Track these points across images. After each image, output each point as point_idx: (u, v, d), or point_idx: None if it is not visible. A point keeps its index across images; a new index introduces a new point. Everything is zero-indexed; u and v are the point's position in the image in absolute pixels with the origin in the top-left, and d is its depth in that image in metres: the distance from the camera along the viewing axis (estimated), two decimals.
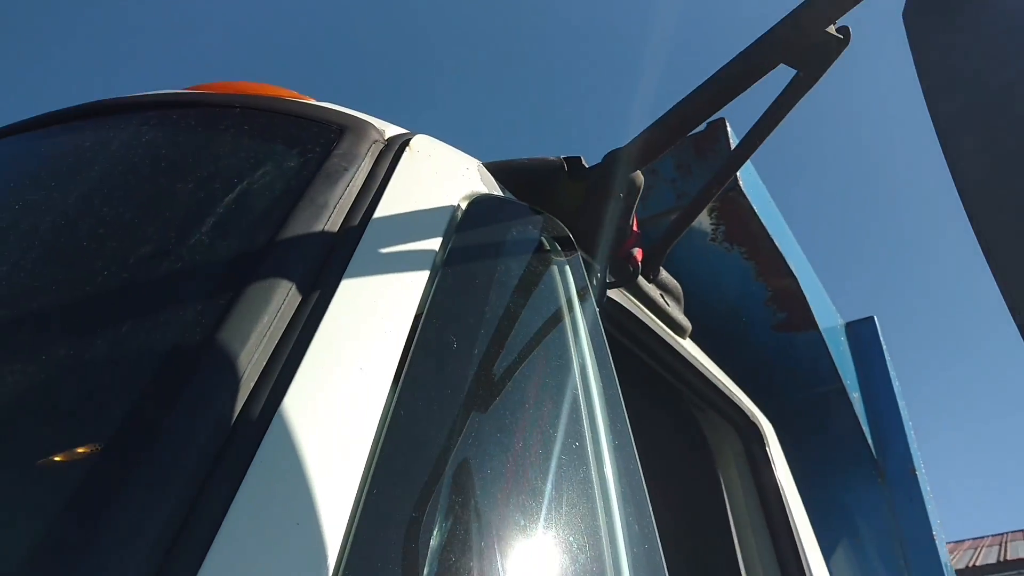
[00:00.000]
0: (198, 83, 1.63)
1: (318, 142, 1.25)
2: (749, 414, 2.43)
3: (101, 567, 0.64)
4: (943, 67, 1.10)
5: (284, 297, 0.92)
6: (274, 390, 0.81)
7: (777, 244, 2.66)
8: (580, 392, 1.23)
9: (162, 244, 1.07)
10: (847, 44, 1.55)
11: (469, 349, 1.05)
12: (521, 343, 1.18)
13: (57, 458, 0.72)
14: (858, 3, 1.46)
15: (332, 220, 1.07)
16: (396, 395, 0.91)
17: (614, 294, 1.89)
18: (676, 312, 2.23)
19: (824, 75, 1.63)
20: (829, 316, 3.28)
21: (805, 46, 1.55)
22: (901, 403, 3.46)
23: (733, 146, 2.51)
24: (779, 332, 2.99)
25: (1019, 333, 0.85)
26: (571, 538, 1.00)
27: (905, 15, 1.15)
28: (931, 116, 1.05)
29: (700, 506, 2.43)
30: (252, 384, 0.82)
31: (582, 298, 1.41)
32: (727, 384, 2.40)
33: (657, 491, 1.22)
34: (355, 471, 0.80)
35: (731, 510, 2.37)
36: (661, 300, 2.16)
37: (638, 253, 1.98)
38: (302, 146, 1.25)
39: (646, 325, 2.01)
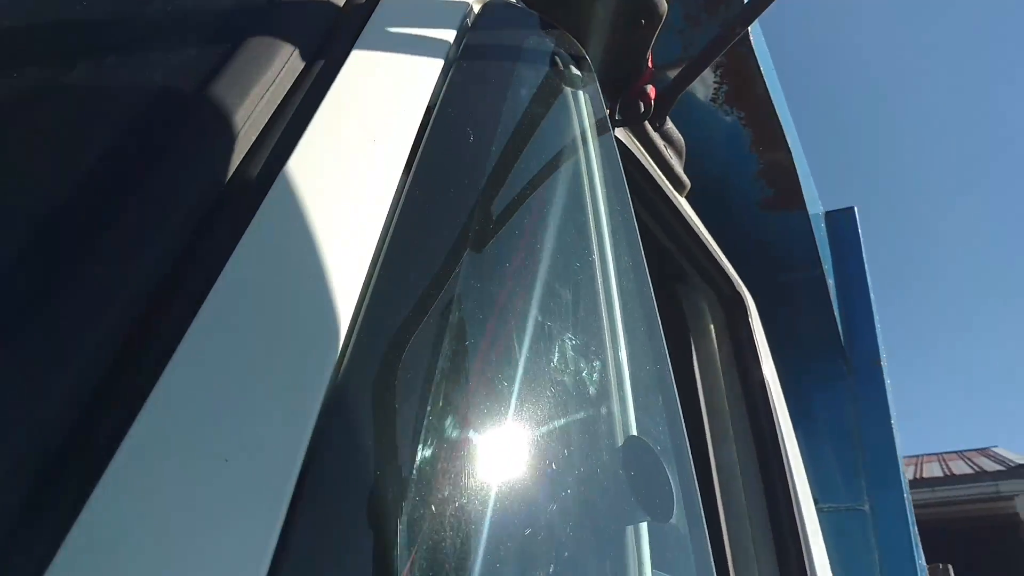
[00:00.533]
0: None
1: None
2: (736, 283, 2.34)
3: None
4: None
5: (290, 53, 0.83)
6: (276, 148, 0.74)
7: (778, 113, 2.54)
8: (594, 231, 1.16)
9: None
10: None
11: (483, 147, 0.97)
12: (534, 162, 1.09)
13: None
14: None
15: None
16: (410, 175, 0.82)
17: (620, 136, 1.76)
18: (677, 166, 2.11)
19: None
20: (812, 202, 3.20)
21: None
22: (872, 297, 3.44)
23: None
24: (765, 209, 2.89)
25: None
26: (584, 392, 0.95)
27: None
28: None
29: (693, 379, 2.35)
30: (251, 140, 0.73)
31: (600, 128, 1.32)
32: (717, 251, 2.29)
33: None
34: (366, 250, 0.71)
35: (702, 389, 2.28)
36: (665, 151, 2.03)
37: (651, 91, 1.84)
38: None
39: (648, 173, 1.88)
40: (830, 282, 3.18)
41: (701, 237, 2.17)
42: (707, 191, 2.76)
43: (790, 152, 2.66)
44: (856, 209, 3.55)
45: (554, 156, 1.18)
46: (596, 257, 1.13)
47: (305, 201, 0.70)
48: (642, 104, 1.81)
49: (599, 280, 1.11)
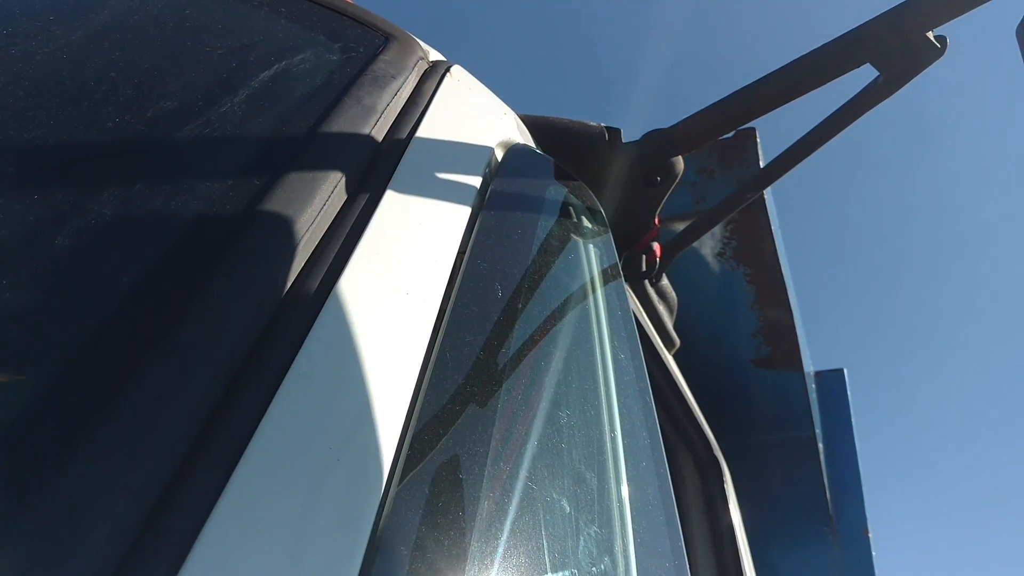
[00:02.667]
0: None
1: (363, 44, 1.16)
2: (714, 448, 2.29)
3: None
4: None
5: (328, 195, 0.81)
6: (312, 300, 0.70)
7: (784, 273, 2.51)
8: (602, 379, 1.12)
9: (184, 118, 0.93)
10: (941, 55, 1.43)
11: (511, 298, 0.96)
12: (551, 316, 1.07)
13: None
14: (971, 9, 1.33)
15: (378, 127, 0.98)
16: (443, 326, 0.81)
17: None
18: (669, 323, 2.08)
19: (907, 84, 1.49)
20: (805, 361, 3.16)
21: (898, 48, 1.40)
22: (859, 462, 3.36)
23: (761, 158, 2.36)
24: (759, 366, 2.83)
25: None
26: (586, 528, 0.89)
27: (1021, 31, 1.05)
28: None
29: None
30: (284, 290, 0.70)
31: (613, 281, 1.30)
32: (697, 413, 2.24)
33: None
34: (401, 402, 0.70)
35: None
36: (659, 307, 1.99)
37: (658, 249, 1.81)
38: (345, 43, 1.16)
39: (643, 328, 1.83)
40: (820, 446, 3.10)
41: (685, 397, 2.13)
42: (702, 342, 2.71)
43: (791, 313, 2.62)
44: (846, 371, 3.51)
45: (569, 308, 1.16)
46: (607, 419, 1.07)
47: (338, 361, 0.67)
48: (646, 261, 1.78)
49: (613, 435, 1.06)
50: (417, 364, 0.74)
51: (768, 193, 2.34)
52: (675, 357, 2.37)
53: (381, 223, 0.83)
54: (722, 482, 2.24)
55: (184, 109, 0.94)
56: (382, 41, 1.18)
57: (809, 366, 3.33)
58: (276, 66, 1.04)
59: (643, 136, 1.62)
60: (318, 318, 0.68)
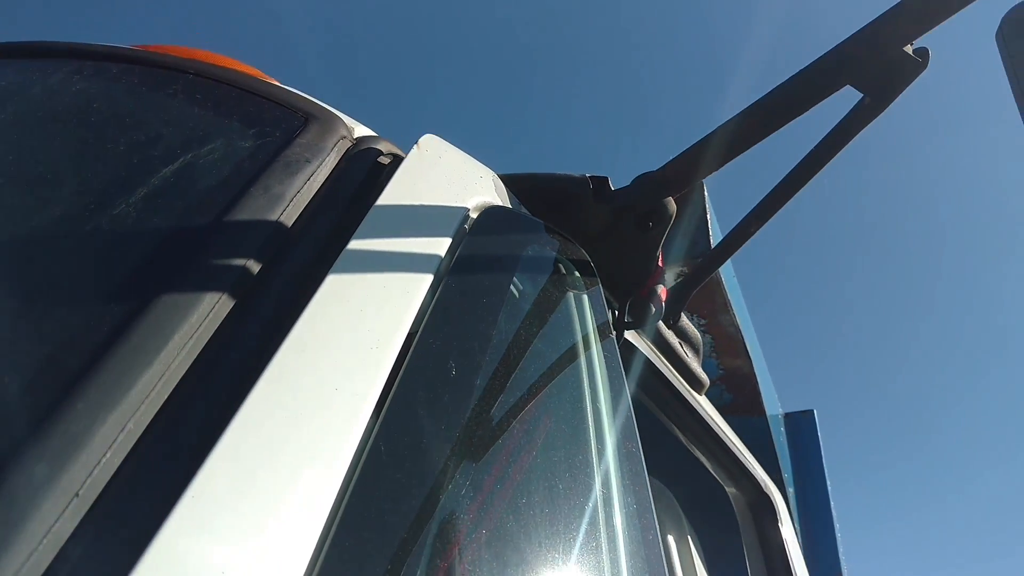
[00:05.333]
0: (142, 43, 1.44)
1: (278, 127, 1.12)
2: (762, 484, 2.25)
3: None
4: None
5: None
6: (220, 409, 0.67)
7: (739, 321, 2.53)
8: (594, 448, 1.09)
9: (80, 216, 0.91)
10: (924, 68, 1.38)
11: (469, 379, 0.90)
12: (529, 379, 1.04)
13: None
14: (945, 20, 1.29)
15: (286, 215, 0.94)
16: (377, 425, 0.75)
17: (631, 337, 1.70)
18: (694, 364, 2.03)
19: (894, 102, 1.47)
20: (771, 404, 3.16)
21: (877, 66, 1.39)
22: (831, 504, 3.35)
23: (709, 212, 2.38)
24: (722, 414, 2.83)
25: None
26: None
27: (1000, 35, 1.03)
28: None
29: None
30: (187, 395, 0.68)
31: (602, 336, 1.27)
32: (741, 450, 2.21)
33: None
34: (320, 513, 0.64)
35: None
36: (680, 349, 1.96)
37: (663, 291, 1.78)
38: (259, 128, 1.11)
39: (662, 374, 1.81)
40: (790, 491, 3.10)
41: (722, 437, 2.08)
42: None
43: (750, 359, 2.63)
44: (816, 412, 3.52)
45: (555, 368, 1.12)
46: (599, 485, 1.05)
47: (249, 476, 0.63)
48: (653, 306, 1.75)
49: (599, 501, 1.03)
50: (340, 474, 0.69)
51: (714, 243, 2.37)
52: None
53: (310, 318, 0.78)
54: (775, 516, 2.22)
55: (80, 207, 0.92)
56: (301, 122, 1.15)
57: (778, 408, 3.35)
58: (182, 159, 1.02)
59: (632, 181, 1.61)
60: (234, 419, 0.65)
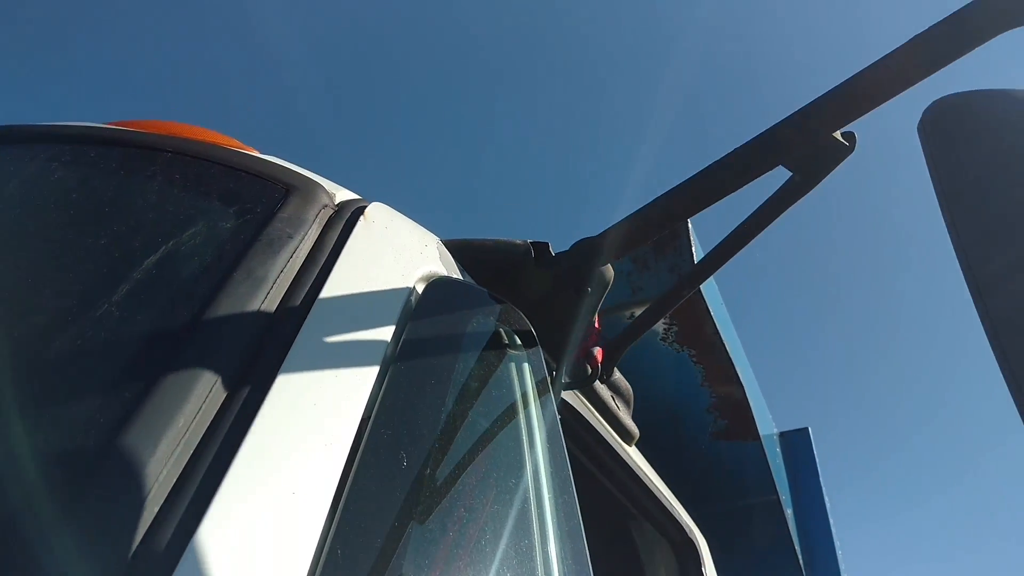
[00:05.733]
0: (119, 119, 1.42)
1: (259, 201, 1.09)
2: (687, 529, 2.29)
3: None
4: (963, 182, 1.01)
5: (203, 397, 0.77)
6: (183, 520, 0.66)
7: (729, 350, 2.54)
8: (536, 515, 1.08)
9: (54, 315, 0.88)
10: (851, 151, 1.43)
11: (419, 463, 0.90)
12: (475, 453, 1.03)
13: None
14: (871, 110, 1.35)
15: (270, 298, 0.92)
16: (333, 528, 0.75)
17: (565, 394, 1.73)
18: (626, 417, 2.09)
19: (822, 182, 1.51)
20: (765, 424, 3.18)
21: (807, 150, 1.43)
22: (831, 520, 3.37)
23: (694, 246, 2.40)
24: (717, 439, 2.86)
25: None
26: None
27: (922, 128, 1.06)
28: (951, 233, 0.95)
29: None
30: (156, 510, 0.67)
31: (542, 400, 1.27)
32: (667, 496, 2.26)
33: None
34: None
35: None
36: (612, 403, 2.01)
37: (599, 353, 1.83)
38: (240, 205, 1.09)
39: (595, 430, 1.86)
40: (788, 512, 3.11)
41: (650, 486, 2.13)
42: (661, 423, 2.73)
43: (742, 386, 2.65)
44: (810, 429, 3.53)
45: (499, 436, 1.12)
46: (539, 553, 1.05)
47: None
48: (589, 367, 1.80)
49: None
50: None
51: None
52: (639, 441, 2.39)
53: (265, 417, 0.78)
54: (699, 562, 2.26)
55: (60, 304, 0.90)
56: (282, 194, 1.12)
57: (772, 428, 3.36)
58: (163, 247, 0.99)
59: (571, 247, 1.64)
60: (192, 539, 0.65)
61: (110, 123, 1.40)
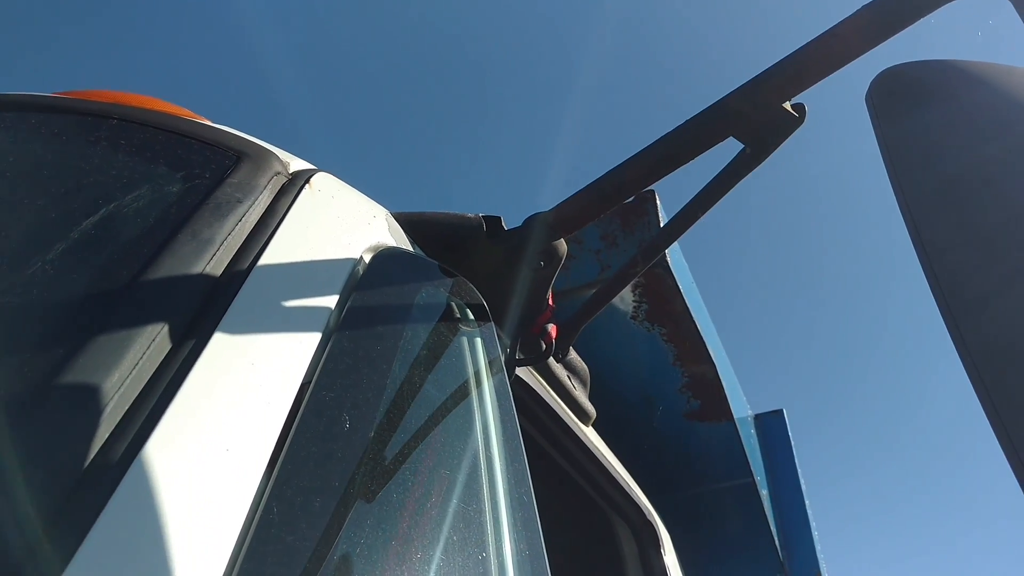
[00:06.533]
0: (66, 89, 1.39)
1: (209, 168, 1.08)
2: (646, 512, 2.28)
3: None
4: (910, 151, 1.02)
5: (141, 352, 0.75)
6: (113, 470, 0.65)
7: (699, 328, 2.52)
8: (487, 486, 1.08)
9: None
10: (801, 123, 1.44)
11: (362, 429, 0.89)
12: (422, 423, 1.02)
13: None
14: (819, 80, 1.36)
15: (216, 260, 0.91)
16: (270, 484, 0.74)
17: (520, 371, 1.71)
18: (582, 396, 2.08)
19: (773, 153, 1.51)
20: (740, 406, 3.17)
21: (757, 121, 1.43)
22: (807, 502, 3.36)
23: (662, 220, 2.38)
24: (691, 419, 2.84)
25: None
26: None
27: (869, 98, 1.08)
28: (898, 201, 0.96)
29: None
30: (88, 458, 0.66)
31: (494, 374, 1.26)
32: (626, 479, 2.24)
33: None
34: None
35: None
36: (568, 382, 1.99)
37: (552, 330, 1.81)
38: (189, 170, 1.07)
39: (550, 408, 1.84)
40: (764, 492, 3.10)
41: (607, 467, 2.11)
42: (633, 405, 2.71)
43: (714, 365, 2.64)
44: (785, 411, 3.53)
45: (449, 410, 1.11)
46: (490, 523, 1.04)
47: (137, 538, 0.63)
48: (543, 343, 1.79)
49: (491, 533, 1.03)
50: (235, 531, 0.69)
51: (671, 252, 2.37)
52: (611, 423, 2.37)
53: (202, 373, 0.77)
54: (658, 545, 2.23)
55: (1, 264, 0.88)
56: (233, 161, 1.11)
57: (747, 410, 3.35)
58: (106, 209, 0.98)
59: (524, 222, 1.63)
60: (118, 488, 0.64)
61: (57, 93, 1.37)
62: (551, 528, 2.40)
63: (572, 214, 1.57)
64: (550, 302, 1.76)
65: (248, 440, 0.77)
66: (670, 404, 2.79)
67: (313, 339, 0.94)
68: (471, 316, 1.30)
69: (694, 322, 2.50)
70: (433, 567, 0.87)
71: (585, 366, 2.15)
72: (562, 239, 1.61)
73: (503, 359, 1.63)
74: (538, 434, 1.88)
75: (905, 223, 0.95)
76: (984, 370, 0.79)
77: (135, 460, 0.66)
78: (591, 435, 2.10)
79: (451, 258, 1.45)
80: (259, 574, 0.67)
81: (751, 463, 2.96)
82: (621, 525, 2.29)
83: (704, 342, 2.56)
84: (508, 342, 1.68)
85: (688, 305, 2.45)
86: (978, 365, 0.79)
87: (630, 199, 2.41)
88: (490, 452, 1.12)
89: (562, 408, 1.92)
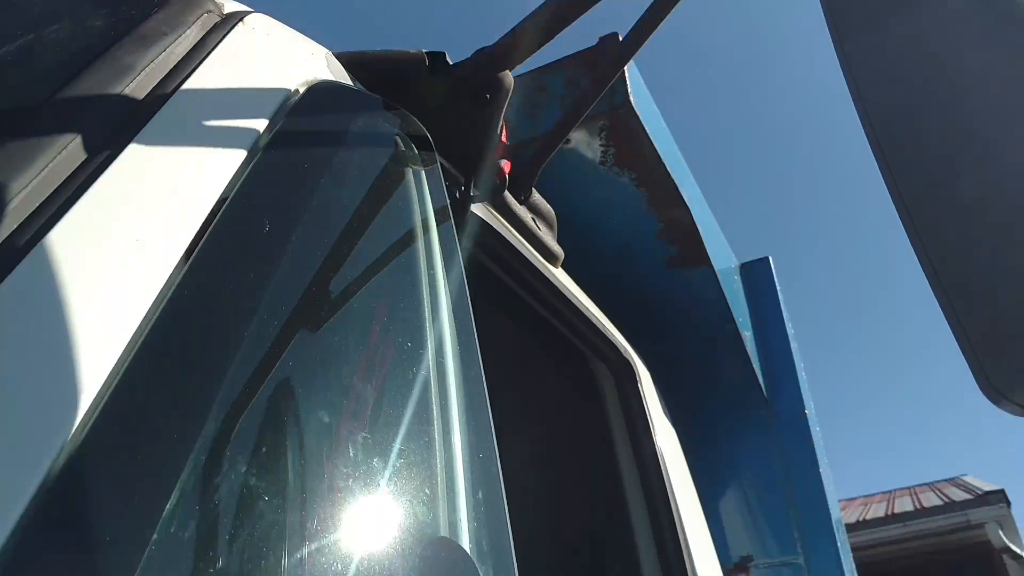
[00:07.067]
0: None
1: (135, 2, 1.07)
2: (622, 350, 2.30)
3: None
4: (871, 61, 0.97)
5: (52, 157, 0.77)
6: (14, 256, 0.67)
7: (669, 169, 2.52)
8: (428, 320, 1.10)
9: None
10: None
11: (285, 239, 0.90)
12: (354, 247, 1.04)
13: None
14: None
15: (136, 84, 0.92)
16: (182, 275, 0.77)
17: (482, 212, 1.74)
18: (548, 238, 2.09)
19: None
20: (724, 256, 3.19)
21: None
22: (794, 345, 3.41)
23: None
24: (672, 268, 2.86)
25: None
26: (403, 483, 0.89)
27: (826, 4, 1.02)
28: (856, 106, 0.93)
29: (586, 453, 2.31)
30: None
31: (438, 211, 1.28)
32: (599, 317, 2.26)
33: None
34: (107, 360, 0.66)
35: (599, 459, 2.23)
36: (532, 224, 2.01)
37: (506, 165, 1.83)
38: (115, 6, 1.07)
39: (515, 248, 1.85)
40: (747, 334, 3.15)
41: (580, 307, 2.13)
42: (613, 254, 2.73)
43: (688, 208, 2.63)
44: (771, 259, 3.54)
45: (386, 240, 1.13)
46: (431, 350, 1.08)
47: (37, 317, 0.65)
48: (497, 179, 1.80)
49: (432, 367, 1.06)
50: (135, 321, 0.71)
51: (637, 93, 2.35)
52: (590, 272, 2.40)
53: (116, 175, 0.79)
54: (635, 381, 2.26)
55: None
56: None
57: (732, 260, 3.37)
58: (23, 39, 0.99)
59: (469, 56, 1.63)
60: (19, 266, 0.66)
61: None
62: (531, 377, 2.47)
63: (514, 44, 1.56)
64: (503, 138, 1.77)
65: (160, 235, 0.79)
66: (649, 252, 2.80)
67: (238, 155, 0.95)
68: (416, 151, 1.30)
69: (664, 164, 2.49)
70: (359, 387, 0.91)
71: (550, 208, 2.16)
72: (508, 71, 1.61)
73: (455, 196, 1.65)
74: (504, 274, 1.90)
75: (860, 120, 0.92)
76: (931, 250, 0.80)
77: (37, 246, 0.68)
78: (561, 276, 2.13)
79: (392, 94, 1.45)
80: (162, 351, 0.70)
81: (731, 306, 2.99)
82: (599, 365, 2.32)
83: (675, 184, 2.55)
84: (461, 180, 1.69)
85: (655, 144, 2.43)
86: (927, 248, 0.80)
87: (595, 44, 2.40)
88: (435, 291, 1.15)
89: (527, 249, 1.94)
